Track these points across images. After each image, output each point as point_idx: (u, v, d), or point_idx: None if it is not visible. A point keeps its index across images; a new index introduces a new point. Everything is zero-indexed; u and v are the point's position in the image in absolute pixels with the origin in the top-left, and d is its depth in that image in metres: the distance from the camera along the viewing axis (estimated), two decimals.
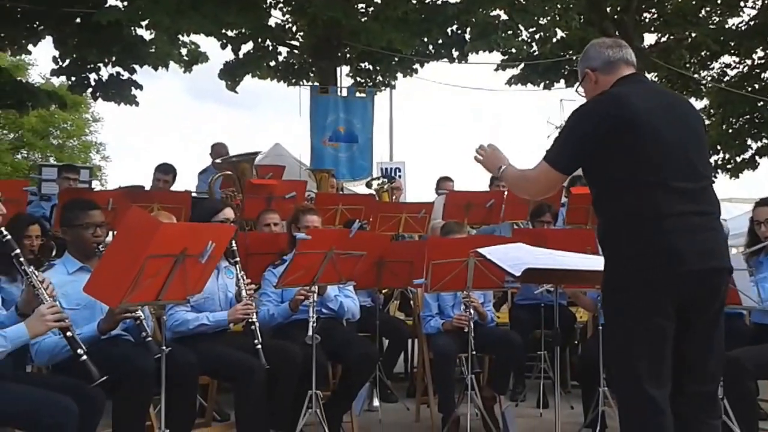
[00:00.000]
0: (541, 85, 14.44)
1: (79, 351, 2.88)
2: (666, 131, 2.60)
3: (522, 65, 14.20)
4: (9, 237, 2.92)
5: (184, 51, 12.40)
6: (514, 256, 3.50)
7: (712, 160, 14.51)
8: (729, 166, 15.34)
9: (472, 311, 4.30)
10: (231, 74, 12.51)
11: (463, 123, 48.20)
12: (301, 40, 12.74)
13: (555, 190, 2.80)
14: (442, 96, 57.86)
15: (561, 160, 2.70)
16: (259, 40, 12.26)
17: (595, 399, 4.14)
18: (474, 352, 4.16)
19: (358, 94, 12.07)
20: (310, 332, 3.83)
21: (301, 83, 12.58)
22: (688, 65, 15.42)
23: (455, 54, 12.00)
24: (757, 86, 14.81)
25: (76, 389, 2.82)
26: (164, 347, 3.12)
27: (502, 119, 48.74)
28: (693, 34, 14.64)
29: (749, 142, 15.33)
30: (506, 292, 5.76)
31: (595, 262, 3.10)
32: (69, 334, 2.90)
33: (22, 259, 2.92)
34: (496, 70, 14.40)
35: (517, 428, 4.57)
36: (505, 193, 6.65)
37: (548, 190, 2.84)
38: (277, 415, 3.80)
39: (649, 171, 2.56)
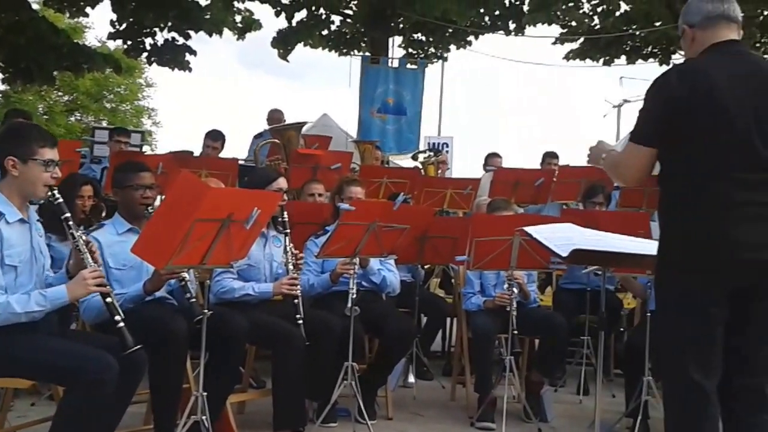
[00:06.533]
0: (601, 60, 13.90)
1: (117, 317, 2.87)
2: (737, 112, 2.46)
3: (582, 39, 13.67)
4: (61, 200, 2.94)
5: (238, 18, 12.41)
6: (562, 236, 3.39)
7: None
8: None
9: (515, 290, 4.23)
10: (283, 42, 12.52)
11: (516, 99, 47.39)
12: (355, 9, 12.62)
13: (648, 168, 2.60)
14: (495, 70, 56.99)
15: (642, 135, 2.57)
16: (313, 7, 12.20)
17: (638, 388, 4.04)
18: (515, 332, 4.10)
19: (409, 66, 11.94)
20: (349, 304, 3.82)
21: (352, 53, 12.53)
22: (758, 45, 14.77)
23: (512, 26, 11.69)
24: None
25: (118, 348, 2.83)
26: (206, 311, 3.13)
27: (558, 96, 47.81)
28: (765, 12, 14.01)
29: None
30: (551, 275, 5.66)
31: (648, 246, 3.00)
32: (108, 300, 2.90)
33: (71, 222, 2.93)
34: (554, 43, 13.87)
35: (555, 413, 4.53)
36: (556, 172, 6.50)
37: (639, 169, 2.62)
38: (313, 384, 3.83)
39: (710, 161, 2.47)
